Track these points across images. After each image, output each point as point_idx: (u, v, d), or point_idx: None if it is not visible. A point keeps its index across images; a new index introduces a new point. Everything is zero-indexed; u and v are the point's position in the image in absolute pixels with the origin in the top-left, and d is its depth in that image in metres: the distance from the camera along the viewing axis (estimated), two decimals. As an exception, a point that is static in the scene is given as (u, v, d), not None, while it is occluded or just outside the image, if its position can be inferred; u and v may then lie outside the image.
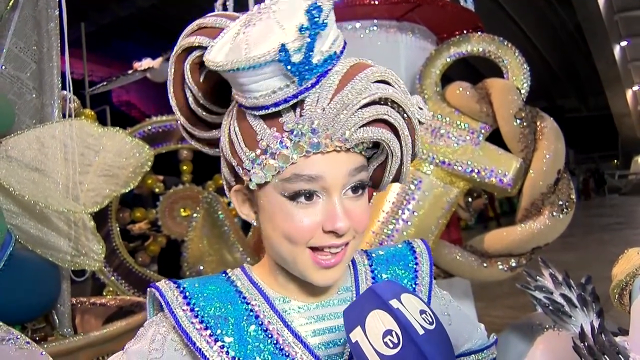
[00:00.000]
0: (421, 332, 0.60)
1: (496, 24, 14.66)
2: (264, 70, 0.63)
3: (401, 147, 0.71)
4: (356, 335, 0.63)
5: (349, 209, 0.71)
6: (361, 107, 0.66)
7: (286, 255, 0.72)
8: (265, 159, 0.68)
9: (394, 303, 0.62)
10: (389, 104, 0.69)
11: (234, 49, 0.66)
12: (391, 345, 0.60)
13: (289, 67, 0.62)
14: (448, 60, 2.66)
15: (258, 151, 0.69)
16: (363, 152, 0.72)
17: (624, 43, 19.86)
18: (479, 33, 2.73)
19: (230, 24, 0.72)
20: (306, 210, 0.69)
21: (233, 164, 0.73)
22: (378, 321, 0.62)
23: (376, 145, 0.73)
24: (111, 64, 14.64)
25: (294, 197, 0.69)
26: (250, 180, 0.70)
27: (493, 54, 2.62)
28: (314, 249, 0.71)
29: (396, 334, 0.60)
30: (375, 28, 2.89)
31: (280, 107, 0.66)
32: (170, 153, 4.03)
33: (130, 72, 4.98)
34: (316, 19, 0.62)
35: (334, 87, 0.66)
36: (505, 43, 2.61)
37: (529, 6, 17.45)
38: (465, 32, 2.91)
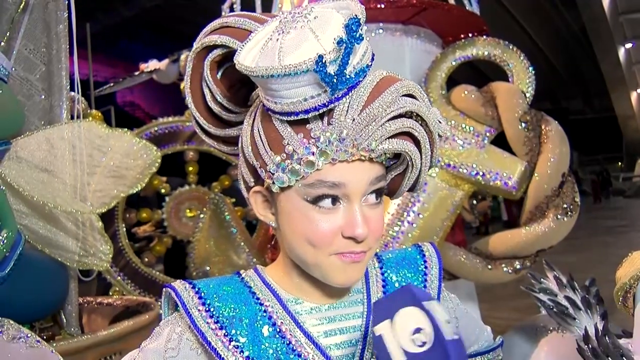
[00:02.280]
0: (449, 338, 0.61)
1: (501, 26, 14.64)
2: (298, 78, 0.64)
3: (421, 159, 0.73)
4: (382, 328, 0.63)
5: (368, 216, 0.72)
6: (389, 120, 0.68)
7: (308, 258, 0.74)
8: (290, 163, 0.69)
9: (427, 305, 0.63)
10: (414, 117, 0.71)
11: (267, 54, 0.67)
12: (418, 344, 0.60)
13: (324, 77, 0.63)
14: (453, 63, 2.67)
15: (283, 155, 0.70)
16: (384, 162, 0.73)
17: (628, 45, 19.81)
18: (485, 37, 2.74)
19: (254, 26, 0.73)
20: (326, 215, 0.71)
21: (255, 165, 0.74)
22: (410, 318, 0.62)
23: (397, 155, 0.75)
24: (116, 64, 14.67)
25: (315, 201, 0.70)
26: (273, 183, 0.71)
27: (498, 57, 2.63)
28: (338, 254, 0.73)
29: (426, 333, 0.61)
30: (381, 31, 2.90)
31: (310, 115, 0.67)
32: (174, 154, 4.05)
33: (136, 73, 5.01)
34: (355, 33, 0.63)
35: (364, 99, 0.67)
36: (511, 47, 2.61)
37: (534, 8, 17.43)
38: (470, 35, 2.93)
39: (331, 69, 0.63)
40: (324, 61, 0.62)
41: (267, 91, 0.68)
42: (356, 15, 0.64)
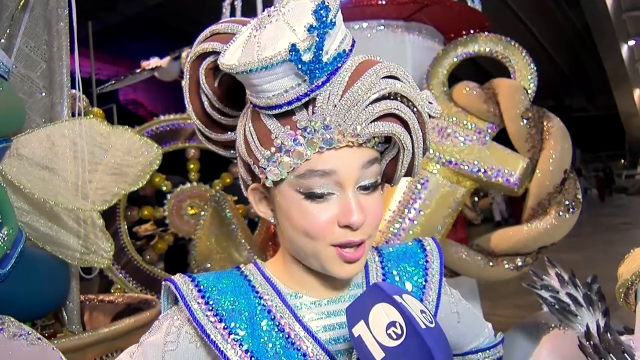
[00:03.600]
0: (424, 326, 0.62)
1: (503, 23, 14.60)
2: (276, 70, 0.65)
3: (412, 140, 0.73)
4: (359, 329, 0.64)
5: (364, 204, 0.72)
6: (371, 102, 0.68)
7: (307, 250, 0.74)
8: (280, 156, 0.70)
9: (397, 298, 0.64)
10: (399, 98, 0.70)
11: (246, 51, 0.68)
12: (394, 337, 0.61)
13: (299, 66, 0.64)
14: (455, 60, 2.67)
15: (273, 149, 0.71)
16: (375, 147, 0.73)
17: (631, 42, 19.71)
18: (486, 33, 2.73)
19: (242, 29, 0.74)
20: (321, 205, 0.71)
21: (249, 163, 0.75)
22: (382, 314, 0.63)
23: (388, 140, 0.75)
24: (117, 62, 14.68)
25: (309, 194, 0.71)
26: (267, 178, 0.72)
27: (500, 54, 2.62)
28: (336, 246, 0.73)
29: (400, 325, 0.62)
30: (382, 28, 2.90)
31: (293, 106, 0.68)
32: (175, 152, 4.05)
33: (138, 71, 5.01)
34: (324, 19, 0.64)
35: (344, 84, 0.68)
36: (512, 43, 2.61)
37: (537, 5, 17.37)
38: (472, 32, 2.92)
39: (306, 57, 0.64)
40: (297, 50, 0.63)
41: (250, 87, 0.70)
42: (324, 1, 0.64)
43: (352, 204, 0.71)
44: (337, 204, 0.72)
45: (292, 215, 0.73)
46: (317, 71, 0.65)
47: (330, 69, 0.67)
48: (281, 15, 0.68)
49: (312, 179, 0.70)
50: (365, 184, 0.73)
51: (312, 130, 0.68)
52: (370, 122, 0.68)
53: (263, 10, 0.76)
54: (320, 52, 0.65)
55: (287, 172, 0.71)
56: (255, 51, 0.66)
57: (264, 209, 0.79)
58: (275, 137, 0.70)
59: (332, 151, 0.69)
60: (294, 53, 0.63)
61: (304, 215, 0.71)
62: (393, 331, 0.61)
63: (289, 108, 0.68)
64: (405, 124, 0.71)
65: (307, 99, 0.68)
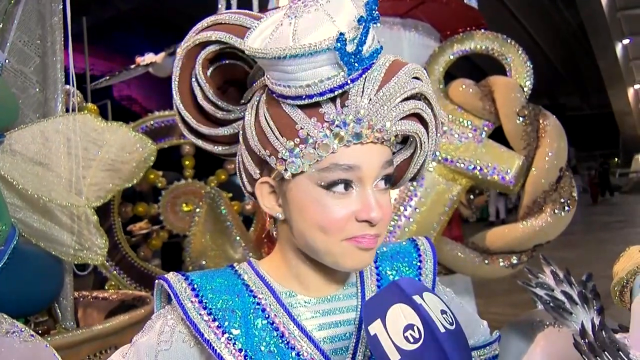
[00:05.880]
0: (443, 330, 0.60)
1: (499, 22, 14.62)
2: (317, 58, 0.64)
3: (428, 142, 0.74)
4: (375, 328, 0.62)
5: (379, 201, 0.72)
6: (402, 101, 0.69)
7: (319, 246, 0.72)
8: (305, 148, 0.69)
9: (417, 299, 0.62)
10: (422, 99, 0.72)
11: (278, 38, 0.67)
12: (411, 340, 0.60)
13: (343, 56, 0.63)
14: (451, 57, 2.67)
15: (297, 140, 0.69)
16: (391, 147, 0.74)
17: (626, 41, 19.77)
18: (483, 30, 2.74)
19: (250, 22, 0.74)
20: (341, 200, 0.70)
21: (264, 155, 0.73)
22: (400, 315, 0.61)
23: (403, 141, 0.76)
24: (112, 58, 14.61)
25: (329, 187, 0.70)
26: (286, 170, 0.70)
27: (496, 51, 2.63)
28: (350, 239, 0.72)
29: (418, 329, 0.60)
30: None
31: (325, 97, 0.67)
32: (170, 148, 4.03)
33: (133, 66, 4.99)
34: (373, 12, 0.64)
35: (379, 79, 0.68)
36: (509, 41, 2.61)
37: (532, 4, 17.40)
38: (468, 29, 2.92)
39: (350, 48, 0.64)
40: (344, 39, 0.63)
41: (279, 75, 0.67)
42: None
43: (371, 199, 0.70)
44: (357, 200, 0.71)
45: (307, 209, 0.71)
46: (356, 63, 0.65)
47: (367, 63, 0.66)
48: (320, 6, 0.67)
49: (335, 173, 0.69)
50: (381, 182, 0.73)
51: (342, 123, 0.68)
52: (399, 120, 0.69)
53: (259, 6, 0.75)
54: (363, 44, 0.65)
55: (309, 165, 0.69)
56: (292, 38, 0.65)
57: (270, 204, 0.77)
58: (301, 128, 0.68)
59: (358, 146, 0.69)
60: (340, 43, 0.62)
61: (322, 210, 0.70)
62: (410, 334, 0.60)
63: (321, 99, 0.67)
64: (425, 125, 0.73)
65: (340, 91, 0.67)
